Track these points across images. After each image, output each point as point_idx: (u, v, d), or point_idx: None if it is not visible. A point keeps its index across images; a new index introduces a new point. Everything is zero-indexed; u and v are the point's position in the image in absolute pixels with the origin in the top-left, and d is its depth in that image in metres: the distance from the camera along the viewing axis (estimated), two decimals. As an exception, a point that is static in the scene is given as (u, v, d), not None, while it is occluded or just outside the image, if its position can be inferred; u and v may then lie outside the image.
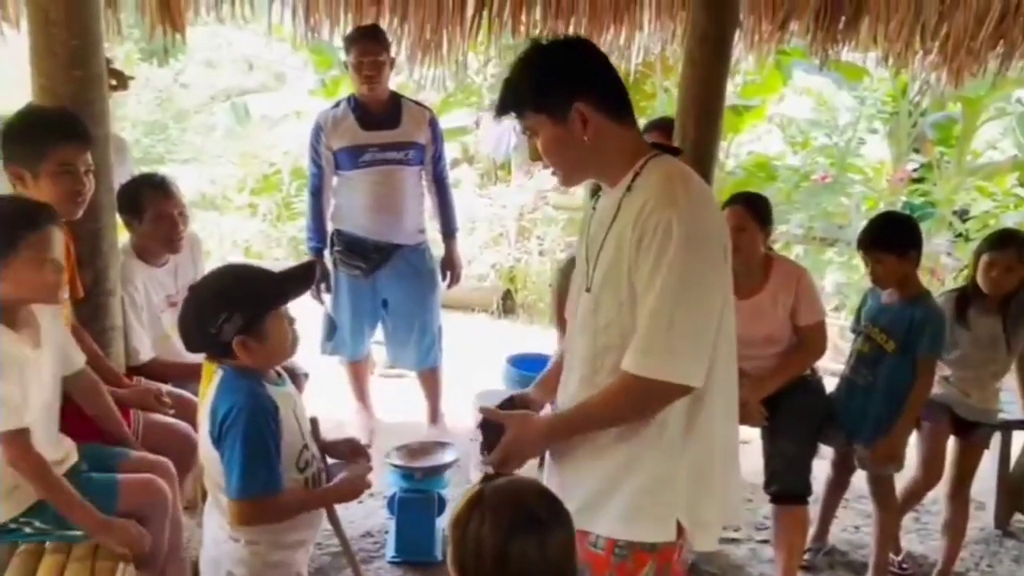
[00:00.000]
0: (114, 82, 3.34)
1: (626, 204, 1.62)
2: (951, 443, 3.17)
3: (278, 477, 1.83)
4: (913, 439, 3.05)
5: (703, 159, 3.12)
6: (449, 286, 4.02)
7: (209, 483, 1.94)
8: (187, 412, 2.53)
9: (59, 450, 2.15)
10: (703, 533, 1.70)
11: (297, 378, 2.92)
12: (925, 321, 2.84)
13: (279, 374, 1.97)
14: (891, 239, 2.85)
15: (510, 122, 1.66)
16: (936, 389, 3.07)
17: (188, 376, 2.66)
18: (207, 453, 1.88)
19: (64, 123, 2.31)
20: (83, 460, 2.22)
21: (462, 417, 3.88)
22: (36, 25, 2.45)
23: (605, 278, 1.64)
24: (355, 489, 2.01)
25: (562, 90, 1.61)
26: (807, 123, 7.86)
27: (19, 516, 2.07)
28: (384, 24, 3.87)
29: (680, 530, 1.66)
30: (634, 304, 1.58)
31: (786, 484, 2.85)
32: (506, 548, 1.29)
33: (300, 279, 1.97)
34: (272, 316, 1.85)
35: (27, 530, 2.08)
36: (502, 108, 1.70)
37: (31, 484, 2.01)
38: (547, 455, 1.83)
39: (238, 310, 1.81)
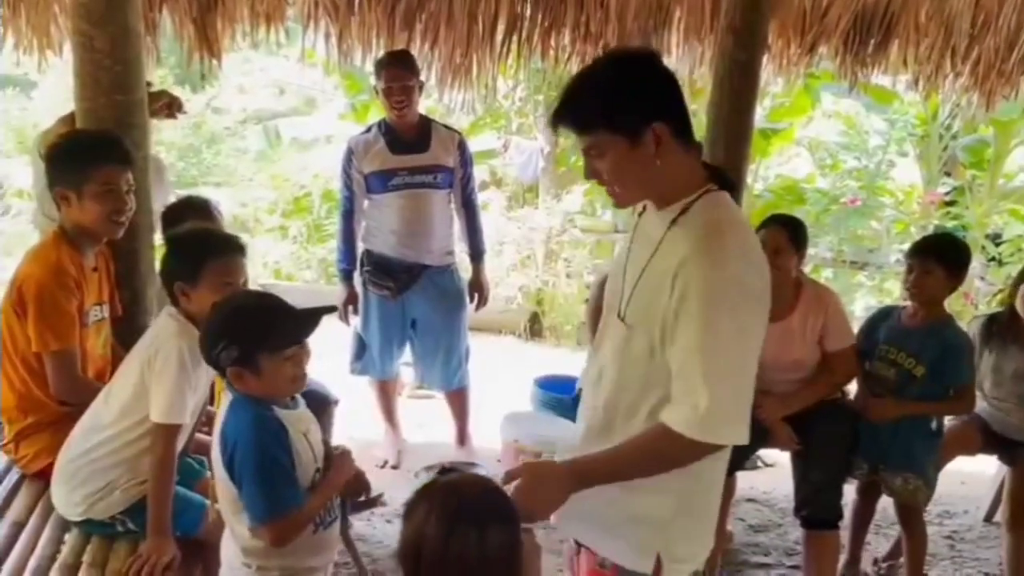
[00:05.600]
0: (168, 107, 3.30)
1: (669, 240, 1.56)
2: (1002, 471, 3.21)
3: (299, 490, 1.82)
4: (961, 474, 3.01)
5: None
6: (477, 308, 4.04)
7: (223, 505, 1.91)
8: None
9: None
10: (678, 568, 1.65)
11: (327, 405, 2.93)
12: (961, 347, 2.84)
13: (292, 397, 1.93)
14: (947, 252, 2.87)
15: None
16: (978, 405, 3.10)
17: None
18: (219, 476, 1.87)
19: (106, 144, 2.38)
20: None
21: (490, 439, 3.88)
22: (81, 51, 2.52)
23: (640, 316, 1.59)
24: (345, 467, 1.98)
25: (641, 109, 1.52)
26: (836, 146, 7.83)
27: (117, 513, 2.19)
28: (415, 49, 3.94)
29: (659, 564, 1.63)
30: (664, 353, 1.55)
31: (817, 509, 2.83)
32: (447, 540, 1.30)
33: (301, 324, 1.87)
34: (267, 355, 1.81)
35: (119, 528, 2.20)
36: (565, 122, 1.58)
37: (154, 476, 2.11)
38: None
39: (234, 342, 1.80)
